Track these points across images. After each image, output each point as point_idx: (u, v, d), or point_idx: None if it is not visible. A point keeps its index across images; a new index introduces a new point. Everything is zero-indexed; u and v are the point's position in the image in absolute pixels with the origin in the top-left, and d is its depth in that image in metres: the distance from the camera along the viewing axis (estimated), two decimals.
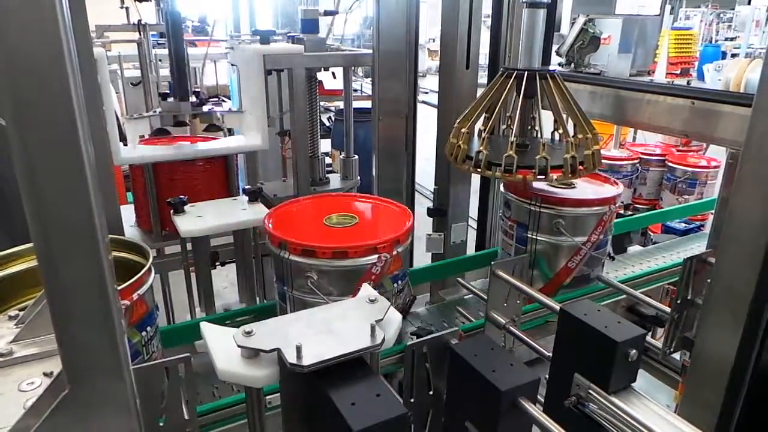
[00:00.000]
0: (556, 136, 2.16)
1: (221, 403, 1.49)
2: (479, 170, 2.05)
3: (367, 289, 1.33)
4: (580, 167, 2.03)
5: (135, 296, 1.45)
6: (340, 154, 3.01)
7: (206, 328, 1.21)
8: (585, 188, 2.33)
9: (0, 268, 1.50)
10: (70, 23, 0.68)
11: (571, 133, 2.06)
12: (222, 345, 1.13)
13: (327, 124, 8.87)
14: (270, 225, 1.79)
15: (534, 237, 2.24)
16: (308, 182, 2.68)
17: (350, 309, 1.23)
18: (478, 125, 2.17)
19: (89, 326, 0.73)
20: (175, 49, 2.49)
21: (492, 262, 1.86)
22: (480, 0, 2.46)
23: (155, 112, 2.53)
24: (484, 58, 2.66)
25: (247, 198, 2.15)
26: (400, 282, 1.83)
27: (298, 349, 1.04)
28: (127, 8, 7.23)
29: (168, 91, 2.62)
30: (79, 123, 0.69)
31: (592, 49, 4.97)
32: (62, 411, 0.77)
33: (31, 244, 1.65)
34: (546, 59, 2.52)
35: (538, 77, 2.05)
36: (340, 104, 5.00)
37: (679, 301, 1.96)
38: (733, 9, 18.57)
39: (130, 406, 0.81)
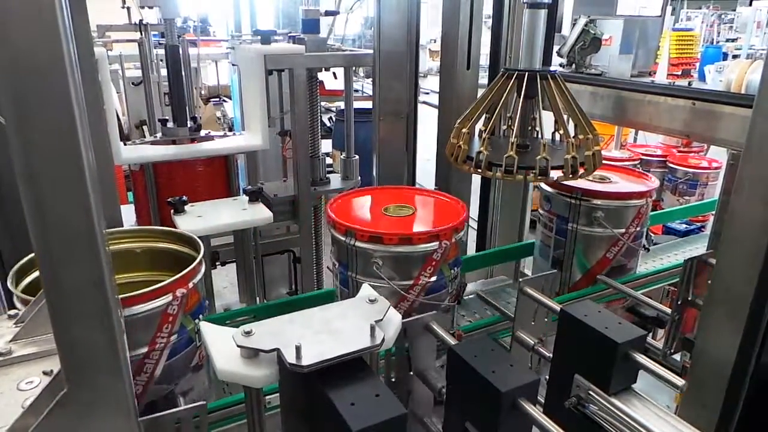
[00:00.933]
0: (557, 137, 2.16)
1: (220, 403, 1.49)
2: (480, 171, 2.05)
3: (367, 290, 1.33)
4: (581, 168, 2.03)
5: (190, 285, 1.49)
6: (341, 154, 3.01)
7: (206, 327, 1.21)
8: (621, 183, 2.47)
9: None
10: (70, 24, 0.68)
11: (572, 133, 2.06)
12: (221, 345, 1.13)
13: (328, 124, 8.87)
14: (333, 214, 1.86)
15: (574, 228, 2.36)
16: (309, 182, 2.68)
17: (350, 309, 1.23)
18: (479, 126, 2.17)
19: (88, 326, 0.73)
20: (174, 78, 2.58)
21: (520, 280, 1.79)
22: (481, 1, 2.46)
23: (155, 137, 2.66)
24: (485, 59, 2.66)
25: (247, 198, 2.15)
26: (455, 269, 1.91)
27: (298, 349, 1.04)
28: (128, 8, 7.24)
29: (167, 118, 2.79)
30: (78, 123, 0.69)
31: (593, 50, 4.98)
32: (61, 410, 0.77)
33: (117, 228, 1.68)
34: (547, 60, 2.52)
35: (538, 78, 2.04)
36: (341, 104, 5.01)
37: (679, 302, 1.96)
38: (735, 10, 18.56)
39: (129, 405, 0.81)
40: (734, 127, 2.02)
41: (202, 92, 8.54)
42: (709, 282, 1.64)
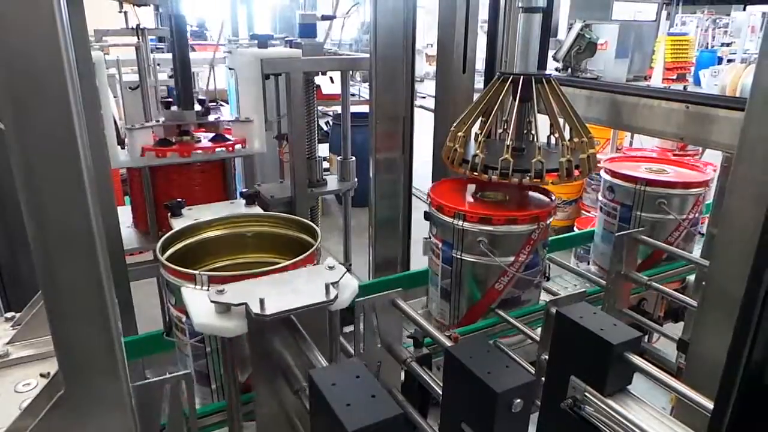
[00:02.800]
0: (552, 140, 2.17)
1: (216, 406, 1.50)
2: (476, 174, 2.06)
3: (328, 260, 1.47)
4: (576, 171, 2.05)
5: None
6: (338, 158, 3.02)
7: (186, 291, 1.38)
8: (678, 172, 2.67)
9: (200, 233, 1.77)
10: (68, 28, 0.68)
11: (567, 136, 2.08)
12: (199, 303, 1.29)
13: (325, 128, 8.88)
14: (438, 198, 2.09)
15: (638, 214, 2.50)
16: (306, 184, 2.68)
17: (310, 273, 1.39)
18: (475, 129, 2.18)
19: (86, 327, 0.74)
20: (179, 55, 2.47)
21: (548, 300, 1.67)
22: (476, 5, 2.48)
23: (157, 121, 2.52)
24: (481, 64, 2.68)
25: (244, 201, 2.15)
26: (545, 248, 2.16)
27: (262, 302, 1.19)
28: (125, 12, 7.25)
29: (170, 99, 2.60)
30: (77, 126, 0.70)
31: (588, 55, 4.99)
32: (58, 411, 0.78)
33: (223, 215, 1.77)
34: (542, 64, 2.53)
35: (533, 81, 2.06)
36: (338, 109, 5.02)
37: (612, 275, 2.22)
38: (729, 15, 18.68)
39: (126, 406, 0.81)
40: (727, 130, 2.04)
41: (199, 95, 8.54)
42: (704, 283, 1.65)
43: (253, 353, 1.28)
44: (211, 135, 2.57)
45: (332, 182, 2.92)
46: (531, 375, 1.24)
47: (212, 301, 1.24)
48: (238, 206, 2.16)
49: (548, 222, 2.07)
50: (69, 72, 0.69)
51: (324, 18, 2.77)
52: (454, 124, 2.14)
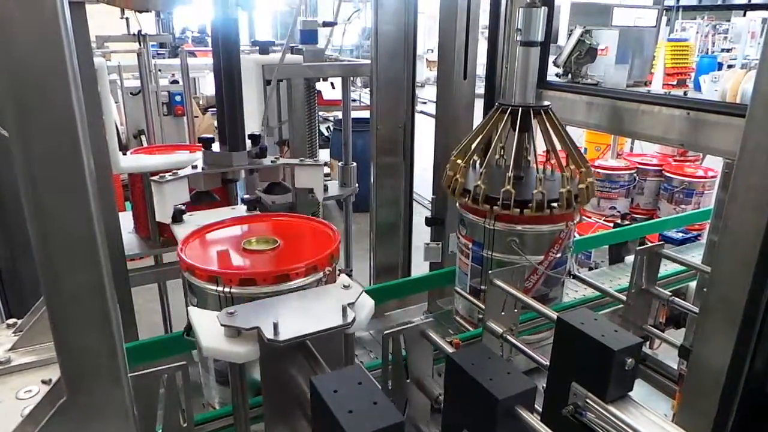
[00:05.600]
0: (548, 168, 2.19)
1: (220, 413, 1.49)
2: (477, 206, 2.06)
3: (343, 278, 1.41)
4: (575, 201, 2.06)
5: None
6: (339, 164, 3.03)
7: (193, 311, 1.32)
8: None
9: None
10: (71, 35, 0.69)
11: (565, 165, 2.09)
12: (207, 325, 1.23)
13: (326, 134, 8.89)
14: (470, 203, 2.07)
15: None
16: (307, 189, 2.68)
17: (325, 294, 1.33)
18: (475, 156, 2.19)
19: (89, 334, 0.74)
20: (226, 85, 1.85)
21: (489, 272, 1.87)
22: (477, 12, 2.49)
23: (195, 168, 1.92)
24: (482, 69, 2.69)
25: (245, 207, 2.15)
26: (571, 248, 2.22)
27: (275, 326, 1.14)
28: (127, 19, 7.29)
29: (210, 136, 2.00)
30: (80, 133, 0.70)
31: (589, 60, 4.98)
32: (60, 418, 0.78)
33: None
34: (542, 67, 2.53)
35: (532, 113, 2.07)
36: (339, 114, 5.03)
37: (633, 291, 2.10)
38: (729, 20, 18.71)
39: (128, 413, 0.81)
40: (728, 136, 2.04)
41: (200, 102, 8.59)
42: (705, 290, 1.65)
43: (264, 379, 1.22)
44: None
45: (333, 188, 2.93)
46: (532, 382, 1.23)
47: (222, 325, 1.18)
48: (239, 212, 2.16)
49: (575, 222, 2.14)
50: (73, 78, 0.69)
51: (325, 24, 2.78)
52: (454, 153, 2.15)
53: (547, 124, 2.06)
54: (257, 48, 2.59)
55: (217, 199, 2.03)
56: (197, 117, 7.20)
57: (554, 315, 1.56)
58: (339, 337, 1.23)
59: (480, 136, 2.12)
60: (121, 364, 0.77)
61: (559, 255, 2.11)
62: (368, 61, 2.60)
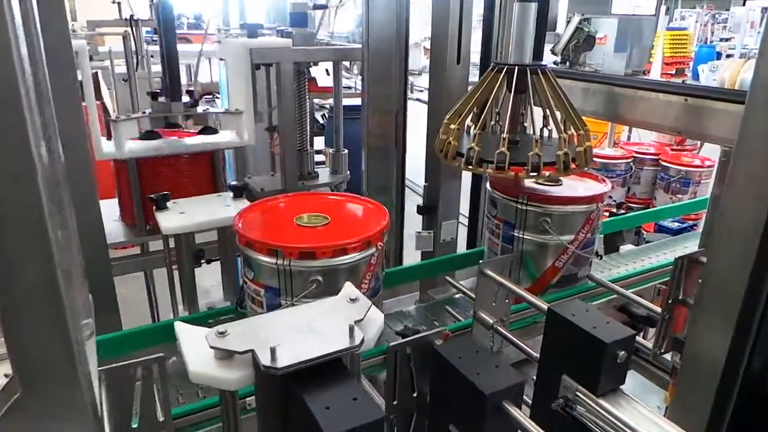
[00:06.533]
0: (546, 132, 2.12)
1: (197, 406, 1.45)
2: (471, 167, 2.02)
3: (348, 288, 1.29)
4: (573, 164, 2.00)
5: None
6: (330, 150, 2.97)
7: (180, 328, 1.16)
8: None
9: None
10: (31, 11, 0.63)
11: (563, 129, 2.03)
12: (195, 345, 1.09)
13: (321, 121, 8.80)
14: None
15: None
16: (296, 177, 2.63)
17: (329, 308, 1.19)
18: (468, 121, 2.13)
19: (40, 332, 0.69)
20: (166, 46, 2.41)
21: (480, 261, 1.83)
22: None
23: (144, 113, 2.45)
24: (477, 57, 2.63)
25: (231, 194, 2.10)
26: (600, 228, 2.27)
27: (273, 350, 1.00)
28: (119, 3, 7.16)
29: (158, 90, 2.55)
30: (28, 120, 0.64)
31: (587, 48, 4.96)
32: (15, 413, 0.73)
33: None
34: (538, 55, 2.48)
35: (528, 72, 2.01)
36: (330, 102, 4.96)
37: (670, 301, 1.93)
38: (728, 10, 18.63)
39: (88, 411, 0.76)
40: (726, 123, 1.99)
41: (197, 89, 8.48)
42: (700, 281, 1.60)
43: (259, 407, 1.11)
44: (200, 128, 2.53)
45: (324, 175, 2.87)
46: (521, 376, 1.19)
47: (212, 347, 1.04)
48: (225, 199, 2.11)
49: (605, 203, 2.18)
50: (18, 58, 0.63)
51: (316, 7, 2.71)
52: (447, 116, 2.09)
53: (544, 85, 2.00)
54: (245, 31, 2.51)
55: (159, 136, 2.48)
56: None
57: (545, 306, 1.52)
58: (345, 357, 1.08)
59: (474, 98, 2.06)
60: (77, 363, 0.72)
61: (589, 235, 2.15)
62: (360, 46, 2.53)
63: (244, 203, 2.06)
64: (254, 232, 1.66)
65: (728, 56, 13.29)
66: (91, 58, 5.81)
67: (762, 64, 1.39)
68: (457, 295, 2.49)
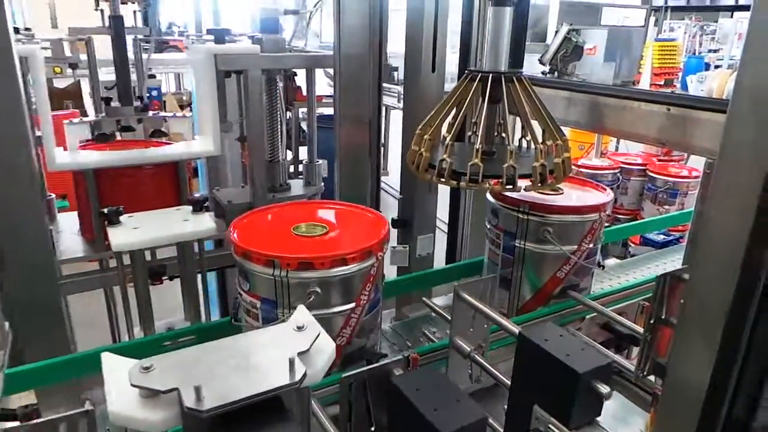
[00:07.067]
0: (524, 144, 2.03)
1: None
2: (443, 180, 1.91)
3: (299, 313, 1.17)
4: (550, 176, 1.90)
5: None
6: (304, 160, 2.86)
7: (107, 359, 1.04)
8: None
9: None
10: None
11: (540, 139, 1.93)
12: (120, 381, 0.97)
13: (306, 131, 8.70)
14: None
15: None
16: (265, 188, 2.52)
17: (271, 338, 1.07)
18: (444, 131, 2.03)
19: None
20: (117, 52, 2.39)
21: (455, 284, 1.71)
22: (446, 1, 2.33)
23: (98, 116, 2.42)
24: (453, 66, 2.54)
25: (191, 208, 1.98)
26: (602, 239, 2.21)
27: (198, 390, 0.89)
28: (102, 11, 7.05)
29: (110, 96, 2.57)
30: None
31: (575, 58, 4.94)
32: None
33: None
34: (517, 62, 2.40)
35: (504, 80, 1.91)
36: (323, 111, 4.86)
37: (652, 321, 1.84)
38: (716, 21, 18.84)
39: None
40: (710, 133, 1.90)
41: (184, 98, 8.38)
42: (682, 301, 1.50)
43: None
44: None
45: (297, 187, 2.76)
46: (482, 412, 1.08)
47: (133, 385, 0.93)
48: (184, 213, 1.99)
49: (608, 212, 2.14)
50: None
51: (288, 12, 2.61)
52: (419, 127, 1.98)
53: (520, 93, 1.90)
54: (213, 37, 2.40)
55: (113, 138, 2.56)
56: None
57: (516, 329, 1.41)
58: (289, 393, 0.96)
59: (446, 108, 1.96)
60: None
61: (591, 245, 2.11)
62: (332, 53, 2.43)
63: (204, 218, 1.95)
64: (250, 242, 1.60)
65: (716, 67, 13.40)
66: (76, 66, 5.69)
67: (743, 73, 1.29)
68: (434, 315, 2.38)
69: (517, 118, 2.04)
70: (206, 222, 1.88)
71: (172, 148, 2.44)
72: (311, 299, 1.51)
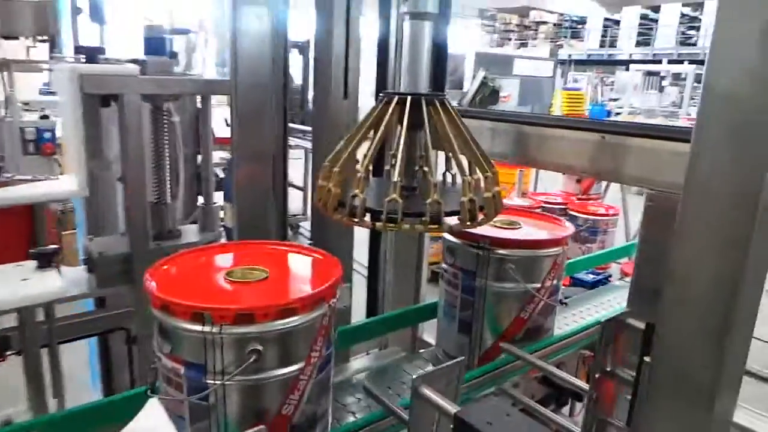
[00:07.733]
0: (449, 177, 1.77)
1: None
2: (356, 220, 1.59)
3: (153, 407, 0.86)
4: (480, 212, 1.64)
5: None
6: (200, 204, 2.47)
7: None
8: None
9: None
10: None
11: (467, 171, 1.67)
12: None
13: (221, 174, 8.27)
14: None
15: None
16: (147, 236, 2.09)
17: None
18: (359, 165, 1.73)
19: None
20: None
21: (413, 377, 1.32)
22: (357, 20, 2.08)
23: None
24: (368, 88, 2.28)
25: (35, 263, 1.54)
26: (563, 274, 2.08)
27: None
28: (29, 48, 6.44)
29: None
30: None
31: (492, 102, 4.97)
32: None
33: None
34: (439, 86, 2.18)
35: (424, 103, 1.65)
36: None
37: (597, 376, 1.58)
38: (614, 74, 20.51)
39: None
40: (649, 162, 1.73)
41: None
42: (647, 359, 1.24)
43: None
44: None
45: (190, 233, 2.35)
46: None
47: None
48: (26, 270, 1.55)
49: (569, 246, 2.06)
50: None
51: (175, 32, 2.26)
52: (328, 159, 1.67)
53: (444, 118, 1.64)
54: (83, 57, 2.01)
55: None
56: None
57: (452, 410, 1.08)
58: None
59: (359, 136, 1.66)
60: None
61: (554, 281, 1.99)
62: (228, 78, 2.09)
63: (51, 276, 1.51)
64: (172, 291, 1.30)
65: (617, 114, 14.41)
66: None
67: (707, 98, 1.09)
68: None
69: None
70: (52, 281, 1.44)
71: (27, 189, 1.98)
72: (251, 360, 1.23)
